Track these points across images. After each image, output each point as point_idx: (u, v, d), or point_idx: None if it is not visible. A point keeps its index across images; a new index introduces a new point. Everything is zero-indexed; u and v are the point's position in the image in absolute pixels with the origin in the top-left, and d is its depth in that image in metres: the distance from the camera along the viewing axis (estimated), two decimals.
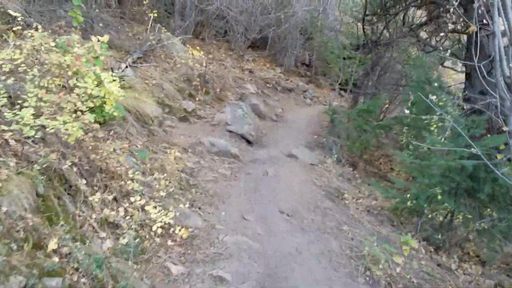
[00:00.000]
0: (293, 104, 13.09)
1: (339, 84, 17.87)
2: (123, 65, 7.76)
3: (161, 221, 4.04)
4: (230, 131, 7.99)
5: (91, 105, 4.28)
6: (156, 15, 9.62)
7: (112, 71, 7.13)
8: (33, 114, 3.34)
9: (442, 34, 11.70)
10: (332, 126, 8.62)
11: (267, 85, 13.53)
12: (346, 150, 8.30)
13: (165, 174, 5.15)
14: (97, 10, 9.11)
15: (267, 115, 10.56)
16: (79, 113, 3.88)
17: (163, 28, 11.99)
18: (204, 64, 10.48)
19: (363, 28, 11.10)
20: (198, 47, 13.76)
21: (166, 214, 4.14)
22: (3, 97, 3.50)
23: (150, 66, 8.96)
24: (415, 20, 13.57)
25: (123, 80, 7.30)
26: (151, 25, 10.24)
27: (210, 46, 14.67)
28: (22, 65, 4.03)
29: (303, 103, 13.67)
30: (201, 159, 6.43)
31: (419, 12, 14.52)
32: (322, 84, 17.11)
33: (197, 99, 9.41)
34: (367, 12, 16.79)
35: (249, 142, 8.08)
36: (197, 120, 8.24)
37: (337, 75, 17.25)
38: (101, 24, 8.80)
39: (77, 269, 2.82)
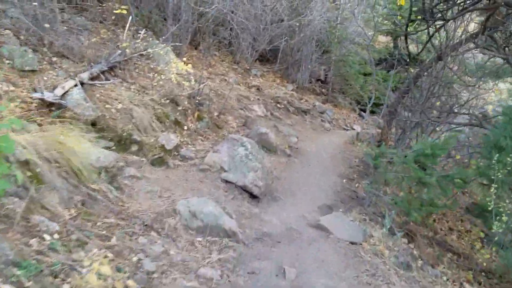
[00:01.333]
0: (309, 130, 10.33)
1: (359, 103, 15.12)
2: (69, 84, 5.06)
3: None
4: (226, 181, 5.23)
5: None
6: (125, 11, 6.93)
7: (42, 94, 4.44)
8: None
9: None
10: (376, 174, 5.83)
11: (278, 105, 10.80)
12: (397, 208, 5.48)
13: None
14: (50, 6, 6.46)
15: (279, 148, 7.80)
16: None
17: (153, 34, 9.41)
18: (199, 80, 7.77)
19: (406, 39, 8.33)
20: (194, 59, 11.10)
21: None
22: None
23: (120, 84, 6.27)
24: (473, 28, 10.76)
25: (57, 110, 4.60)
26: (129, 28, 7.59)
27: (211, 58, 12.00)
28: None
29: (321, 127, 10.90)
30: (172, 244, 3.66)
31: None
32: (340, 103, 14.34)
33: (185, 128, 6.68)
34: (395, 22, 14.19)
35: (254, 196, 5.31)
36: (179, 163, 5.49)
37: (358, 94, 14.50)
38: (46, 25, 6.15)
39: None
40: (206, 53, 12.02)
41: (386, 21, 16.50)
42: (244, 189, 5.21)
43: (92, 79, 5.73)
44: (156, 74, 6.94)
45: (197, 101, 7.42)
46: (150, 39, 8.61)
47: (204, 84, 7.48)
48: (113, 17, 8.13)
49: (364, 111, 14.70)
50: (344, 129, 12.11)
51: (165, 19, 10.89)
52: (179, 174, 5.16)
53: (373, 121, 14.11)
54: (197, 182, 5.02)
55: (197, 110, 7.33)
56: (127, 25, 7.28)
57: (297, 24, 13.04)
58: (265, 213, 5.01)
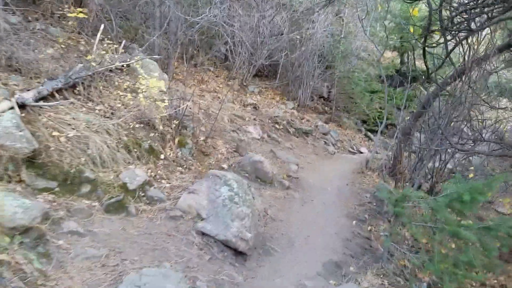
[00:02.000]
0: (311, 154, 9.06)
1: (365, 122, 13.88)
2: (1, 107, 3.83)
3: None
4: (203, 234, 3.94)
5: None
6: (81, 15, 5.73)
7: None
8: None
9: None
10: (396, 222, 4.53)
11: (277, 126, 9.56)
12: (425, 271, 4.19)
13: None
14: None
15: (276, 178, 6.52)
16: None
17: (139, 47, 8.32)
18: (183, 98, 6.56)
19: (424, 53, 7.10)
20: (184, 75, 9.93)
21: None
22: None
23: (81, 105, 5.05)
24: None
25: None
26: (105, 40, 6.41)
27: (204, 74, 10.83)
28: None
29: (325, 151, 9.63)
30: None
31: None
32: (345, 123, 13.10)
33: (161, 157, 5.43)
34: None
35: (239, 253, 4.02)
36: (144, 208, 4.21)
37: (364, 113, 13.27)
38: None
39: None
40: (199, 68, 10.86)
41: (392, 36, 15.36)
42: (226, 245, 3.92)
43: (41, 99, 4.51)
44: (130, 93, 5.72)
45: (179, 123, 6.18)
46: (134, 52, 7.50)
47: (186, 103, 6.24)
48: (88, 28, 6.96)
49: (371, 131, 13.45)
50: (350, 152, 10.85)
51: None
52: (141, 224, 3.88)
53: (381, 143, 12.85)
54: (163, 237, 3.73)
55: (179, 135, 6.09)
56: (98, 35, 6.08)
57: (298, 38, 11.90)
58: (253, 280, 3.70)
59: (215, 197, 4.16)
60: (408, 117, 8.37)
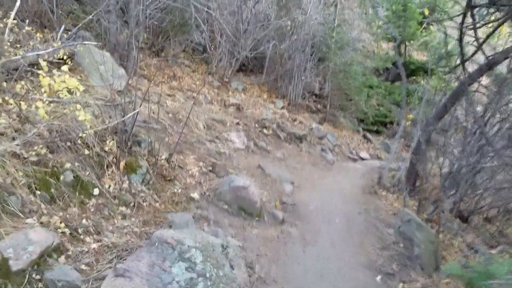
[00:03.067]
0: (307, 165, 7.24)
1: (362, 121, 12.13)
2: None
3: None
4: None
5: None
6: None
7: None
8: None
9: None
10: None
11: (265, 131, 7.70)
12: None
13: None
14: None
15: (266, 208, 4.69)
16: None
17: (88, 33, 6.45)
18: (133, 102, 4.64)
19: (461, 36, 5.24)
20: (152, 70, 7.98)
21: None
22: None
23: None
24: None
25: None
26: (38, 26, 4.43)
27: (178, 68, 8.88)
28: None
29: (323, 160, 7.81)
30: None
31: None
32: (341, 123, 11.31)
33: (95, 193, 3.54)
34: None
35: None
36: None
37: (362, 111, 11.50)
38: None
39: None
40: (171, 61, 8.91)
41: (390, 24, 13.58)
42: None
43: None
44: (57, 96, 3.76)
45: (128, 138, 4.27)
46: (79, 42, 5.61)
47: (137, 110, 4.32)
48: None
49: (369, 131, 11.71)
50: (350, 158, 9.07)
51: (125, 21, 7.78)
52: None
53: (380, 145, 11.14)
54: None
55: (128, 155, 4.19)
56: (11, 16, 4.08)
57: (288, 25, 10.02)
58: None
59: (162, 285, 2.29)
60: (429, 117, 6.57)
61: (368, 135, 11.26)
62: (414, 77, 14.03)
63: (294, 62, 10.28)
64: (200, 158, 5.37)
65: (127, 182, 4.00)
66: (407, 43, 14.41)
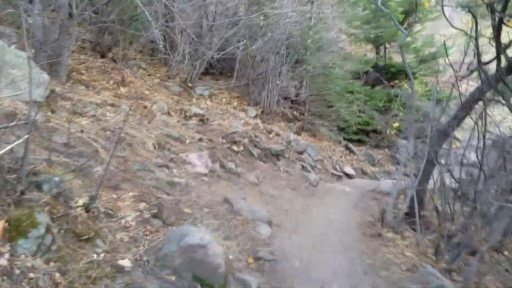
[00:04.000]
0: (287, 190, 5.80)
1: (343, 130, 10.85)
2: None
3: None
4: None
5: None
6: None
7: None
8: None
9: None
10: None
11: (235, 147, 6.21)
12: None
13: None
14: None
15: (233, 273, 3.23)
16: None
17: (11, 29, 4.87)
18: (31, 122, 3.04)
19: (499, 28, 3.90)
20: (93, 74, 6.37)
21: None
22: None
23: None
24: None
25: None
26: None
27: (130, 72, 7.28)
28: None
29: (305, 182, 6.40)
30: None
31: None
32: (319, 131, 9.98)
33: None
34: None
35: None
36: None
37: (343, 119, 10.23)
38: None
39: None
40: (120, 63, 7.29)
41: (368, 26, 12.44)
42: None
43: None
44: None
45: (18, 179, 2.70)
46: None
47: (29, 134, 2.73)
48: None
49: (351, 141, 10.44)
50: (334, 175, 7.73)
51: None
52: None
53: (364, 156, 9.89)
54: None
55: (15, 207, 2.61)
56: None
57: (260, 23, 8.60)
58: None
59: None
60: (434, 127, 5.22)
61: (351, 145, 10.00)
62: (395, 81, 12.92)
63: (267, 65, 8.87)
64: (142, 196, 3.83)
65: (8, 255, 2.43)
66: (387, 45, 13.32)
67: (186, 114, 6.51)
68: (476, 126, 4.54)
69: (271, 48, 8.72)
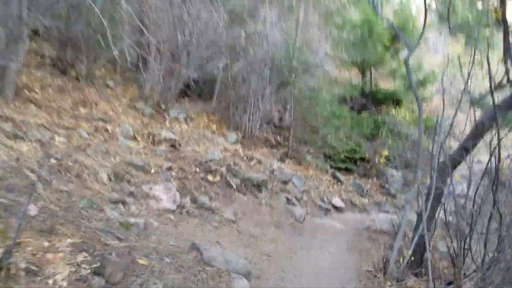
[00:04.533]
0: (270, 230, 4.97)
1: (329, 158, 10.15)
2: None
3: None
4: None
5: None
6: None
7: None
8: None
9: None
10: None
11: (210, 178, 5.38)
12: None
13: None
14: None
15: None
16: None
17: None
18: None
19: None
20: (49, 94, 5.54)
21: None
22: None
23: None
24: None
25: None
26: None
27: (94, 92, 6.46)
28: None
29: (290, 217, 5.58)
30: None
31: None
32: (305, 159, 9.25)
33: None
34: None
35: None
36: None
37: (330, 146, 9.56)
38: None
39: None
40: (83, 81, 6.47)
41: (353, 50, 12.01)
42: None
43: None
44: None
45: None
46: None
47: None
48: None
49: (338, 169, 9.74)
50: (322, 208, 6.94)
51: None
52: None
53: (353, 186, 9.18)
54: None
55: None
56: None
57: (242, 41, 7.99)
58: None
59: None
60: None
61: (338, 174, 9.29)
62: (383, 107, 12.45)
63: (249, 87, 8.19)
64: (83, 243, 2.95)
65: None
66: (373, 70, 12.92)
67: (155, 139, 5.69)
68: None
69: (253, 68, 8.08)
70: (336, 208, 7.27)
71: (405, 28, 12.26)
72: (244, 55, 8.00)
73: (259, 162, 6.95)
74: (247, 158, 6.84)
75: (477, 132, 4.23)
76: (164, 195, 4.40)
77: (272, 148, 8.91)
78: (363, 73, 13.05)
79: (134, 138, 5.54)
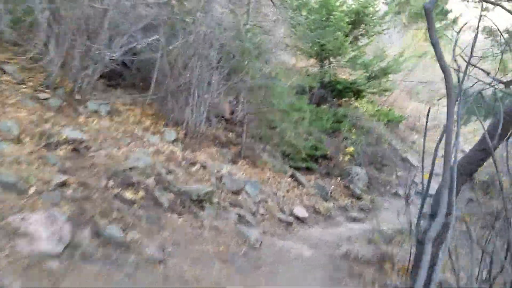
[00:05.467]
0: (214, 268, 3.52)
1: (287, 156, 8.85)
2: None
3: None
4: None
5: None
6: None
7: None
8: None
9: None
10: None
11: (127, 194, 3.82)
12: None
13: None
14: None
15: None
16: None
17: None
18: None
19: None
20: None
21: None
22: None
23: None
24: None
25: None
26: None
27: None
28: None
29: (242, 244, 4.15)
30: None
31: None
32: (261, 159, 7.87)
33: None
34: None
35: None
36: None
37: (289, 143, 8.25)
38: None
39: None
40: None
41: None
42: None
43: None
44: None
45: None
46: None
47: None
48: None
49: (298, 169, 8.47)
50: (282, 221, 5.59)
51: None
52: None
53: (315, 189, 7.95)
54: None
55: None
56: None
57: (183, 18, 6.42)
58: None
59: None
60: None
61: (299, 175, 8.02)
62: (343, 99, 11.38)
63: (192, 73, 6.63)
64: None
65: None
66: (332, 59, 11.79)
67: (51, 141, 4.00)
68: None
69: (196, 50, 6.52)
70: (299, 219, 5.96)
71: (365, 13, 11.27)
72: (184, 34, 6.42)
73: (203, 167, 5.44)
74: (187, 162, 5.30)
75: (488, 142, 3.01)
76: (43, 230, 2.79)
77: (222, 147, 7.42)
78: (321, 63, 11.88)
79: (18, 140, 3.82)
